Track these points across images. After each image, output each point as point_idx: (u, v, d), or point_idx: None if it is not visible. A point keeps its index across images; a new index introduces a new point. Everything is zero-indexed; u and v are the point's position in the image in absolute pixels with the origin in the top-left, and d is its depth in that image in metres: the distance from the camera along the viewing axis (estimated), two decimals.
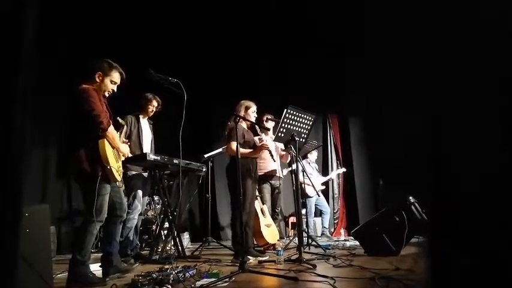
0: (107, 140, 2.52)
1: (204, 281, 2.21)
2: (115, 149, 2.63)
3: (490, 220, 0.69)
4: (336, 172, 6.93)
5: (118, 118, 3.78)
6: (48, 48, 4.41)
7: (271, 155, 3.65)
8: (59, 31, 4.82)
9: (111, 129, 2.56)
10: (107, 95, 2.71)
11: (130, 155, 3.79)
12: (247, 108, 3.70)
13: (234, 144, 3.46)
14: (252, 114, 3.72)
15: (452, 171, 0.74)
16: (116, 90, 2.74)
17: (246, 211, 3.27)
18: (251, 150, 3.58)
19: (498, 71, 0.69)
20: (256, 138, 3.73)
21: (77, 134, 2.56)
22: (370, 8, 4.20)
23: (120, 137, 2.83)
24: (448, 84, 0.74)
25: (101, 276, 2.59)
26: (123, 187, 2.85)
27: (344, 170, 6.76)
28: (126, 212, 2.88)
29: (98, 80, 2.64)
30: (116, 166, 2.55)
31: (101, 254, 2.82)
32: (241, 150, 3.19)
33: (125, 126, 3.73)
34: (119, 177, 2.60)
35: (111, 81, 2.69)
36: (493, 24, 0.70)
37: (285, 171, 5.49)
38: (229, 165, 3.65)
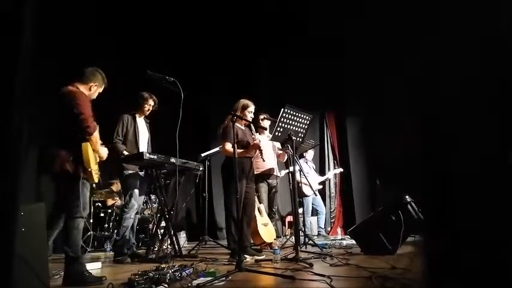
0: (90, 143, 2.60)
1: (201, 280, 2.20)
2: (95, 152, 2.70)
3: (489, 220, 0.69)
4: (333, 172, 6.94)
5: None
6: (48, 48, 4.40)
7: (261, 154, 3.64)
8: (59, 31, 4.80)
9: (96, 134, 2.65)
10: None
11: (125, 154, 3.80)
12: (244, 107, 3.69)
13: (227, 144, 3.47)
14: (249, 115, 3.71)
15: (451, 171, 0.74)
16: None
17: (240, 210, 3.26)
18: (243, 150, 3.57)
19: (498, 71, 0.69)
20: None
21: (59, 134, 2.60)
22: (370, 8, 4.20)
23: None
24: (448, 84, 0.74)
25: (98, 276, 2.59)
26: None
27: (341, 170, 6.76)
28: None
29: (91, 89, 2.78)
30: (95, 169, 2.65)
31: (93, 254, 2.83)
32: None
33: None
34: (96, 179, 2.69)
35: (98, 92, 2.85)
36: (492, 24, 0.70)
37: (283, 172, 5.50)
38: (223, 164, 3.65)
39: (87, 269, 2.62)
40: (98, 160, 2.76)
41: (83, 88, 2.71)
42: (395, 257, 3.12)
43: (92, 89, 2.77)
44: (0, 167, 0.85)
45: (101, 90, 2.85)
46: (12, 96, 0.83)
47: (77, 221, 2.52)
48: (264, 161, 3.86)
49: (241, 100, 3.74)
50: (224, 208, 3.61)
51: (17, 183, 0.90)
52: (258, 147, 3.56)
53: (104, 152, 2.82)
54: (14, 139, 0.84)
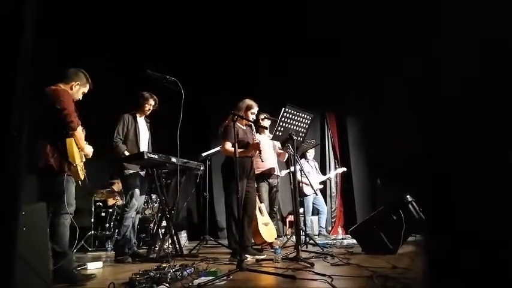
0: (74, 139, 2.62)
1: (202, 280, 2.20)
2: (80, 149, 2.71)
3: (489, 220, 0.69)
4: (335, 172, 6.93)
5: None
6: (47, 48, 4.40)
7: (260, 154, 3.64)
8: (59, 31, 4.80)
9: (79, 130, 2.67)
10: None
11: (126, 153, 3.81)
12: (248, 108, 3.68)
13: (227, 144, 3.47)
14: (251, 116, 3.71)
15: (451, 171, 0.74)
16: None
17: (241, 209, 3.27)
18: (242, 150, 3.56)
19: (498, 71, 0.69)
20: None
21: (42, 131, 2.61)
22: (370, 8, 4.20)
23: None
24: (448, 84, 0.74)
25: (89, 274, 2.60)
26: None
27: (344, 169, 6.73)
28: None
29: (73, 88, 2.78)
30: (80, 164, 2.67)
31: (94, 253, 2.81)
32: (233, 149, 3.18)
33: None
34: (82, 176, 2.70)
35: (82, 92, 2.86)
36: (492, 24, 0.70)
37: (283, 173, 5.49)
38: (223, 164, 3.65)
39: (87, 266, 2.62)
40: (83, 158, 2.77)
41: (65, 87, 2.74)
42: (396, 256, 3.12)
43: (74, 88, 2.79)
44: (1, 167, 0.86)
45: (85, 90, 2.87)
46: (12, 96, 0.83)
47: (63, 217, 2.54)
48: (262, 161, 3.85)
49: (246, 100, 3.73)
50: (225, 208, 3.61)
51: (18, 183, 0.90)
52: (257, 147, 3.56)
53: (89, 149, 2.83)
54: (14, 139, 0.84)
